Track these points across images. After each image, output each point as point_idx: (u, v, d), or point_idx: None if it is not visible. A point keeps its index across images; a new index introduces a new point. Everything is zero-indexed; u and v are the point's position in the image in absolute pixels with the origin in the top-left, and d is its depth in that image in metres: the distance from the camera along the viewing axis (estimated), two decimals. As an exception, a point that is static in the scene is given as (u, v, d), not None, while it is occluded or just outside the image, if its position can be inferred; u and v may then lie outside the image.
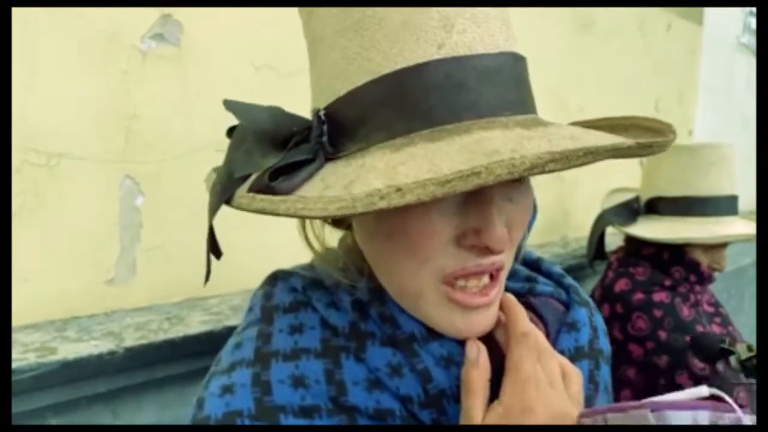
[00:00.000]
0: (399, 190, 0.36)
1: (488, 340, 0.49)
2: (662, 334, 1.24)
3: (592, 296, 1.45)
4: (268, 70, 1.04)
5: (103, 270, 0.89)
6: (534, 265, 0.63)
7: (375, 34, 0.42)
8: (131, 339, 0.82)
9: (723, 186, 1.32)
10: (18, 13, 0.78)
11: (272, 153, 0.43)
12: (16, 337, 0.79)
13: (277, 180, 0.41)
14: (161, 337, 0.84)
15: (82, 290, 0.87)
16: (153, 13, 0.90)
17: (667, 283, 1.31)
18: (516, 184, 0.47)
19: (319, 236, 0.54)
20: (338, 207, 0.37)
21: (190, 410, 0.47)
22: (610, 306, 1.35)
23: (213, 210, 0.44)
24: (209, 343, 0.88)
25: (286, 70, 1.06)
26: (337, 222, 0.53)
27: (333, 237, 0.55)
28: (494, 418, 0.45)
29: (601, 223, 1.47)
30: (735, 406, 0.34)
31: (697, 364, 1.20)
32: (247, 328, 0.52)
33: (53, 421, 0.80)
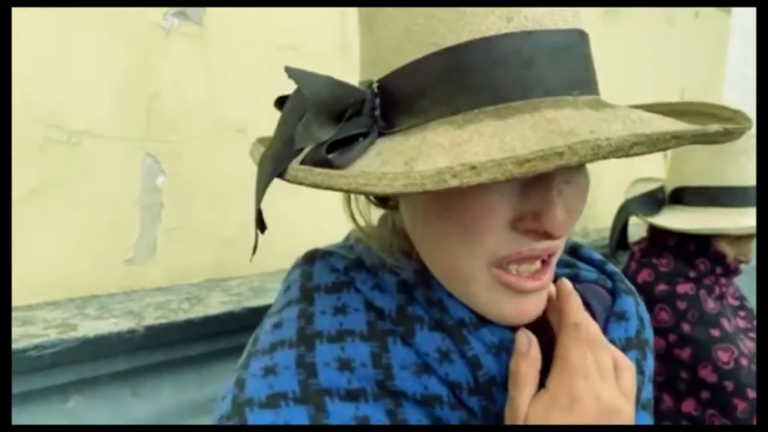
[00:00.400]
0: (473, 168, 0.34)
1: (538, 326, 0.47)
2: (686, 327, 1.22)
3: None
4: (290, 50, 1.03)
5: (124, 249, 0.89)
6: (572, 250, 0.61)
7: (439, 7, 0.40)
8: (151, 318, 0.81)
9: (751, 176, 1.29)
10: (42, -12, 0.77)
11: (329, 125, 0.41)
12: (37, 313, 0.79)
13: (334, 153, 0.40)
14: (181, 317, 0.84)
15: (103, 269, 0.87)
16: (176, -10, 0.89)
17: (692, 274, 1.28)
18: (576, 167, 0.44)
19: (364, 213, 0.52)
20: (405, 184, 0.35)
21: (228, 391, 0.45)
22: (632, 297, 1.33)
23: (265, 183, 0.42)
24: (229, 324, 0.87)
25: (307, 50, 1.05)
26: (383, 200, 0.51)
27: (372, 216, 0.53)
28: (540, 408, 0.44)
29: (624, 213, 1.45)
30: None
31: (722, 357, 1.18)
32: (286, 307, 0.51)
33: (75, 397, 0.80)
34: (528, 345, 0.46)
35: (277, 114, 0.45)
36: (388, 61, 0.42)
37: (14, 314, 0.77)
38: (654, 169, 1.55)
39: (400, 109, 0.42)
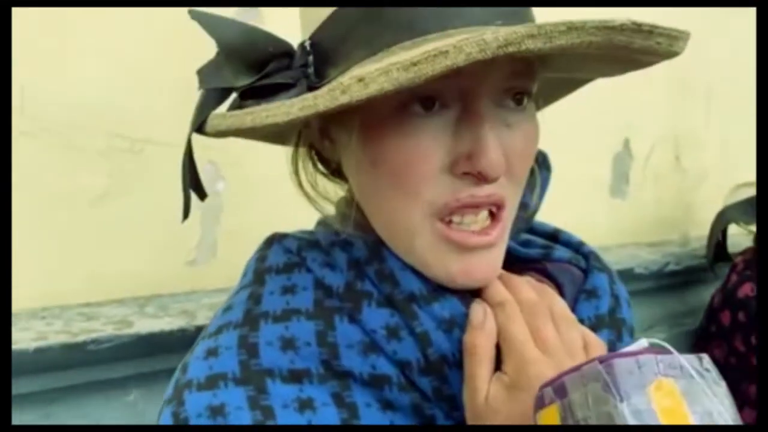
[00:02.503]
0: (361, 80, 0.33)
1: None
2: (790, 349, 1.09)
3: (711, 302, 1.31)
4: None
5: (185, 251, 0.93)
6: (551, 236, 0.58)
7: None
8: (203, 318, 0.85)
9: None
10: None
11: (245, 73, 0.42)
12: (102, 310, 0.85)
13: (249, 101, 0.40)
14: (232, 318, 0.87)
15: (165, 270, 0.92)
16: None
17: (801, 290, 1.14)
18: (513, 108, 0.43)
19: (312, 181, 0.51)
20: (300, 108, 0.35)
21: (174, 375, 0.46)
22: (732, 313, 1.20)
23: (190, 132, 0.44)
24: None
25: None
26: (329, 167, 0.50)
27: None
28: (499, 388, 0.41)
29: (721, 221, 1.32)
30: (673, 350, 0.37)
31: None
32: (239, 291, 0.51)
33: (135, 391, 0.85)
34: (483, 317, 0.43)
35: None
36: (316, 16, 0.42)
37: (80, 310, 0.83)
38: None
39: (328, 61, 0.41)
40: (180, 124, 0.90)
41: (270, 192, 0.98)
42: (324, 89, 0.35)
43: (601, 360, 0.36)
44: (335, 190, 0.53)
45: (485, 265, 0.44)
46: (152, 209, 0.89)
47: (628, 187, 1.47)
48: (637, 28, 0.35)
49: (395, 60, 0.34)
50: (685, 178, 1.63)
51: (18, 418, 0.76)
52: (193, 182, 0.46)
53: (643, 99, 1.42)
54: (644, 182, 1.49)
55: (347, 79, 0.34)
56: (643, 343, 0.40)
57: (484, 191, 0.41)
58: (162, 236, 0.91)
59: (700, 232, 1.63)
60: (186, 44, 0.89)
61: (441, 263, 0.44)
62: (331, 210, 0.53)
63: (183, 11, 0.89)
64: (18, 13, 0.77)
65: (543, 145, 0.52)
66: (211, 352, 0.45)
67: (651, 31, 0.36)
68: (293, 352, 0.44)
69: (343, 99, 0.34)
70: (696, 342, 1.38)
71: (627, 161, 1.45)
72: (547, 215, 0.63)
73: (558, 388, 0.37)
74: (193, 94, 0.92)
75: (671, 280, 1.45)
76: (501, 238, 0.44)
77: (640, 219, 1.52)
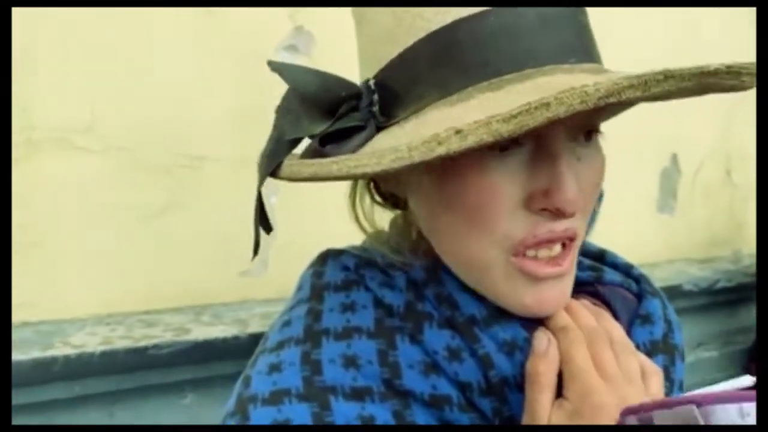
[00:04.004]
0: (459, 132, 0.33)
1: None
2: None
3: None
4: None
5: (239, 262, 0.98)
6: (597, 256, 0.58)
7: None
8: (256, 326, 0.89)
9: None
10: (169, 29, 0.88)
11: (321, 119, 0.42)
12: (161, 317, 0.89)
13: (328, 146, 0.40)
14: (283, 327, 0.90)
15: (220, 280, 0.96)
16: (287, 24, 0.97)
17: None
18: (583, 142, 0.43)
19: (368, 216, 0.52)
20: (393, 159, 0.35)
21: (236, 388, 0.47)
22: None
23: (262, 177, 0.44)
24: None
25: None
26: (388, 198, 0.51)
27: (385, 223, 0.54)
28: (562, 416, 0.41)
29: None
30: None
31: None
32: (296, 306, 0.51)
33: (191, 395, 0.89)
34: (547, 345, 0.43)
35: None
36: (382, 54, 0.42)
37: (141, 317, 0.88)
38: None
39: (397, 100, 0.42)
40: (235, 144, 0.95)
41: (320, 207, 1.02)
42: (417, 140, 0.34)
43: (699, 402, 0.33)
44: (380, 214, 0.54)
45: (557, 294, 0.44)
46: (209, 223, 0.94)
47: (675, 203, 1.45)
48: (729, 70, 0.35)
49: (491, 111, 0.33)
50: (736, 194, 1.59)
51: (84, 417, 0.82)
52: (262, 221, 0.48)
53: (692, 114, 1.40)
54: (693, 198, 1.47)
55: (443, 132, 0.34)
56: (745, 381, 0.37)
57: (561, 226, 0.42)
58: (217, 248, 0.95)
59: (752, 249, 1.60)
60: (241, 70, 0.94)
61: (514, 294, 0.44)
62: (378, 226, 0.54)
63: (239, 41, 0.94)
64: (90, 41, 0.83)
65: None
66: (275, 368, 0.46)
67: (739, 72, 0.36)
68: (355, 370, 0.45)
69: (441, 151, 0.33)
70: (748, 361, 1.34)
71: (675, 176, 1.44)
72: (594, 230, 0.63)
73: (645, 420, 0.36)
74: (247, 116, 0.97)
75: (722, 298, 1.42)
76: (571, 267, 0.45)
77: (689, 235, 1.50)
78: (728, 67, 0.35)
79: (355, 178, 0.46)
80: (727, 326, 1.45)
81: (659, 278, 1.32)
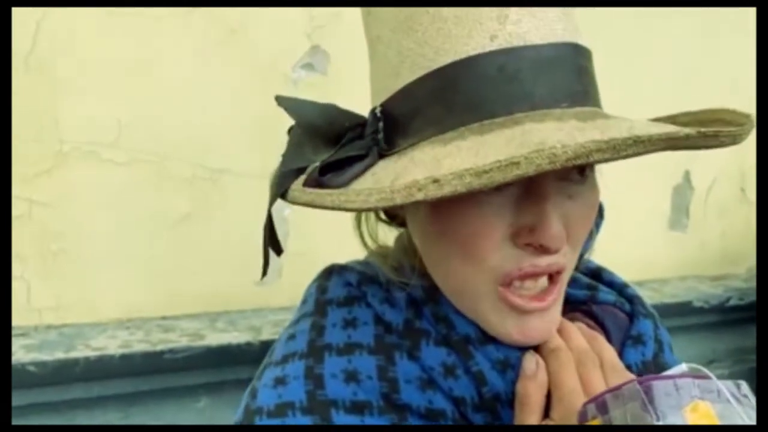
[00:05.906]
0: (436, 181, 0.35)
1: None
2: None
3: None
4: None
5: (254, 272, 1.01)
6: (594, 274, 0.59)
7: (428, 29, 0.42)
8: (268, 333, 0.92)
9: None
10: (192, 47, 0.93)
11: (324, 148, 0.44)
12: (178, 323, 0.93)
13: (328, 175, 0.42)
14: (294, 334, 0.93)
15: (235, 288, 1.00)
16: (304, 44, 1.01)
17: None
18: (577, 180, 0.44)
19: (372, 233, 0.54)
20: (378, 199, 0.37)
21: (243, 399, 0.50)
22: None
23: (271, 201, 0.46)
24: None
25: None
26: (393, 217, 0.53)
27: (389, 237, 0.56)
28: None
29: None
30: (711, 375, 0.37)
31: None
32: (301, 320, 0.53)
33: (204, 399, 0.93)
34: (536, 367, 0.45)
35: None
36: (388, 86, 0.44)
37: (158, 322, 0.92)
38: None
39: (399, 130, 0.43)
40: (254, 158, 0.99)
41: (332, 217, 1.05)
42: (401, 185, 0.37)
43: (641, 381, 0.37)
44: (385, 230, 0.56)
45: (541, 326, 0.46)
46: (225, 233, 0.98)
47: (688, 220, 1.46)
48: (702, 136, 0.36)
49: (467, 164, 0.36)
50: (751, 211, 1.59)
51: (101, 417, 0.86)
52: (272, 243, 0.50)
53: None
54: (706, 214, 1.47)
55: (423, 179, 0.36)
56: (682, 367, 0.41)
57: (545, 261, 0.43)
58: (234, 257, 0.99)
59: (767, 267, 1.59)
60: (261, 87, 0.98)
61: (501, 324, 0.46)
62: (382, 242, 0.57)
63: (260, 59, 0.98)
64: (118, 60, 0.88)
65: (601, 178, 0.52)
66: (279, 381, 0.48)
67: (716, 135, 0.37)
68: (356, 385, 0.47)
69: (419, 196, 0.36)
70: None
71: (687, 193, 1.44)
72: (604, 247, 0.64)
73: (600, 405, 0.39)
74: (265, 133, 1.01)
75: (734, 315, 1.42)
76: (557, 300, 0.46)
77: (701, 252, 1.50)
78: (700, 132, 0.36)
79: (347, 210, 0.49)
80: (739, 344, 1.44)
81: (669, 294, 1.33)
